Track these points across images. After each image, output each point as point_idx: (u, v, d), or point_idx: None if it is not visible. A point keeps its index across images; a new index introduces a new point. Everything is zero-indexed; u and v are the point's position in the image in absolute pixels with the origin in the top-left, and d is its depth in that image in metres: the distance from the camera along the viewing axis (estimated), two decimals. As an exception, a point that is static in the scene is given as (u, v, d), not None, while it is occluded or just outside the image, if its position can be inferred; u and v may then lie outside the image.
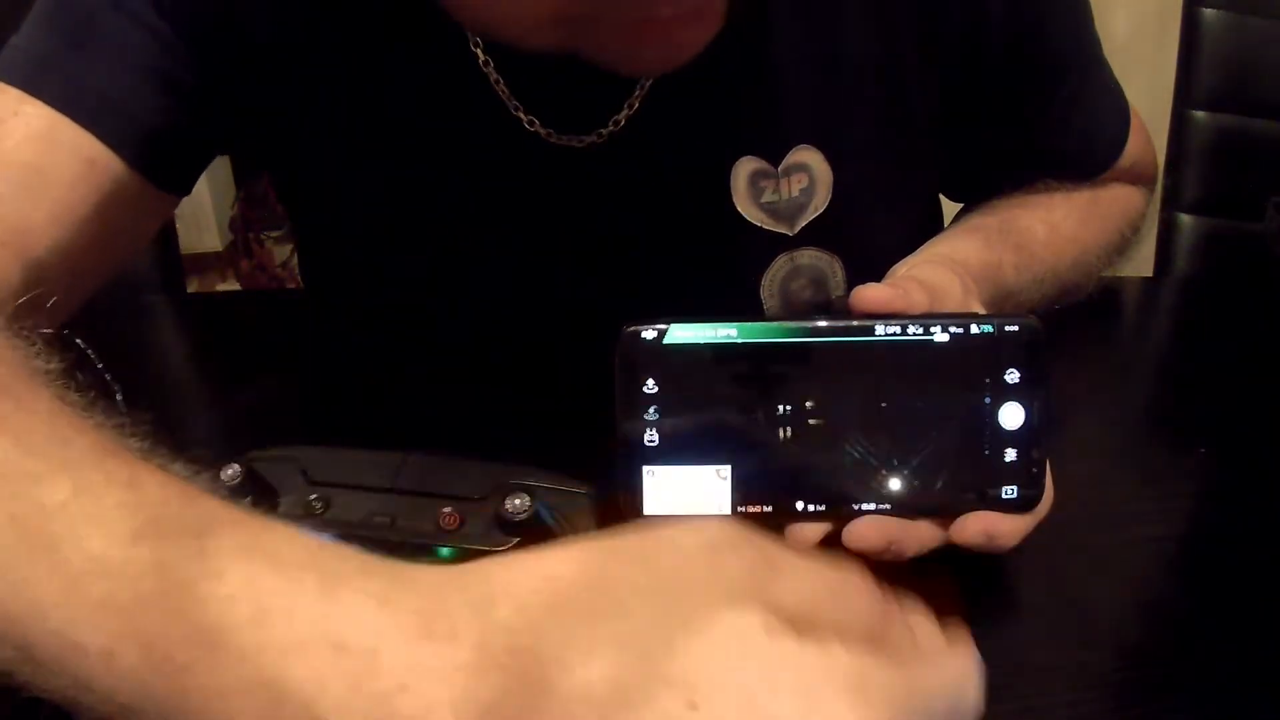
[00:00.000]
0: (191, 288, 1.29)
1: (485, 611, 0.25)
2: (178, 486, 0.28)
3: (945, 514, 0.39)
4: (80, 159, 0.47)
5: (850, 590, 0.28)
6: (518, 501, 0.37)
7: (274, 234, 2.06)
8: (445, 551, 0.37)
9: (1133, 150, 0.64)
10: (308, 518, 0.39)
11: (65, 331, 0.39)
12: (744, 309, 0.56)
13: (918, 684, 0.27)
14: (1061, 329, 0.58)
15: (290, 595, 0.25)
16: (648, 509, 0.39)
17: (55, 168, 0.46)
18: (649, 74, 0.40)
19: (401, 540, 0.38)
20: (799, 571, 0.27)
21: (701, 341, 0.39)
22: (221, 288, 2.08)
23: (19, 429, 0.29)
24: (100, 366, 0.40)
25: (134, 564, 0.26)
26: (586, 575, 0.26)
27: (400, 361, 0.61)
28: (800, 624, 0.26)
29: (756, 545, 0.27)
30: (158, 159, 0.50)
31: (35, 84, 0.46)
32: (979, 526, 0.38)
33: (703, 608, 0.25)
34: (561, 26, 0.36)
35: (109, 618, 0.25)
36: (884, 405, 0.38)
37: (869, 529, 0.38)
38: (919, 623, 0.33)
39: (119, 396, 0.36)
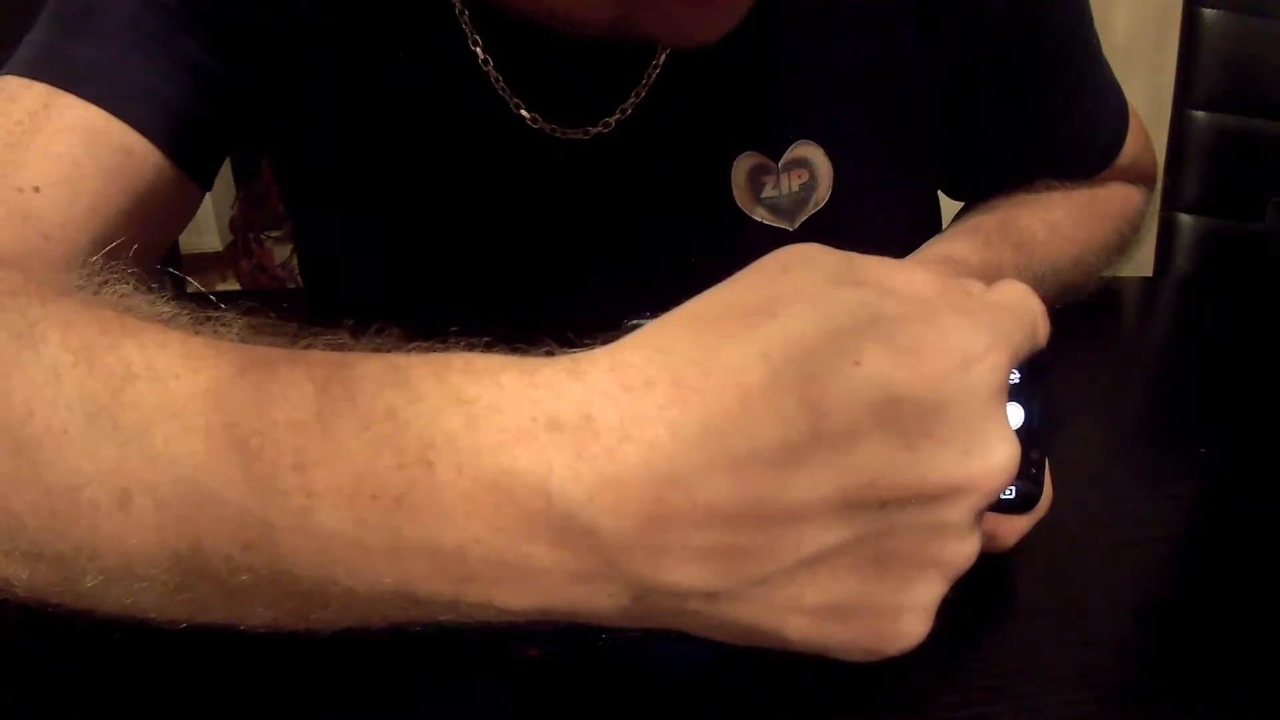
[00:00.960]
0: (191, 288, 1.29)
1: (663, 352, 0.27)
2: (317, 348, 0.29)
3: None
4: (117, 150, 0.46)
5: (924, 275, 0.31)
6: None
7: (274, 234, 2.06)
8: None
9: (1132, 149, 0.64)
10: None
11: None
12: None
13: (1008, 298, 0.31)
14: (1061, 329, 0.58)
15: (490, 392, 0.26)
16: None
17: (92, 159, 0.45)
18: (702, 43, 0.40)
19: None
20: (877, 265, 0.30)
21: None
22: (221, 288, 2.08)
23: (162, 339, 0.29)
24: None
25: (325, 410, 0.26)
26: (725, 293, 0.29)
27: None
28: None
29: (830, 254, 0.30)
30: (191, 148, 0.49)
31: (64, 78, 0.45)
32: None
33: (820, 294, 0.28)
34: (615, 3, 0.37)
35: (304, 474, 0.25)
36: None
37: None
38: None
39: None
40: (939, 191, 0.66)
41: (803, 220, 0.55)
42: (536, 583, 0.26)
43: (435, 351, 0.28)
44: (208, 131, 0.51)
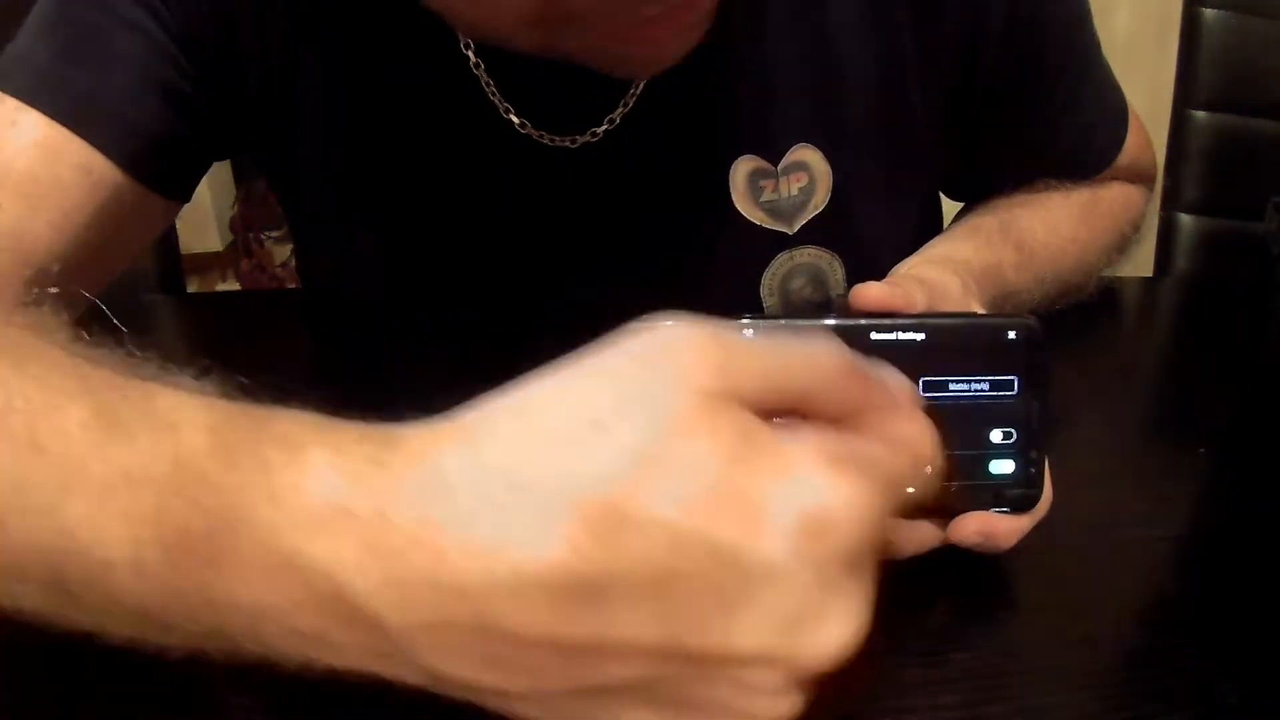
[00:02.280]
0: (191, 288, 1.29)
1: (473, 457, 0.25)
2: (189, 395, 0.29)
3: (943, 513, 0.39)
4: (77, 167, 0.47)
5: (818, 367, 0.28)
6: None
7: (274, 234, 2.06)
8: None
9: (1132, 149, 0.64)
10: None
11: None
12: (744, 308, 0.56)
13: (886, 448, 0.27)
14: (1061, 329, 0.58)
15: (293, 470, 0.26)
16: None
17: (53, 176, 0.46)
18: (635, 77, 0.40)
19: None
20: (763, 359, 0.27)
21: None
22: (221, 288, 2.08)
23: (37, 372, 0.30)
24: (105, 310, 0.41)
25: (154, 470, 0.27)
26: (559, 402, 0.26)
27: (396, 361, 0.61)
28: (770, 409, 0.26)
29: (713, 338, 0.27)
30: (156, 166, 0.50)
31: (32, 93, 0.47)
32: (977, 526, 0.38)
33: (668, 409, 0.25)
34: (544, 27, 0.36)
35: (133, 526, 0.26)
36: None
37: None
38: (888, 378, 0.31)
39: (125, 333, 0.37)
40: (939, 192, 0.66)
41: (802, 223, 0.55)
42: (339, 652, 0.26)
43: (278, 409, 0.28)
44: (179, 149, 0.52)
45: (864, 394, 0.28)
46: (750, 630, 0.25)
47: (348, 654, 0.26)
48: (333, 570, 0.25)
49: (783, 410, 0.27)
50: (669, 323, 0.27)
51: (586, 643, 0.24)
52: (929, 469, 0.29)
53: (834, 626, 0.25)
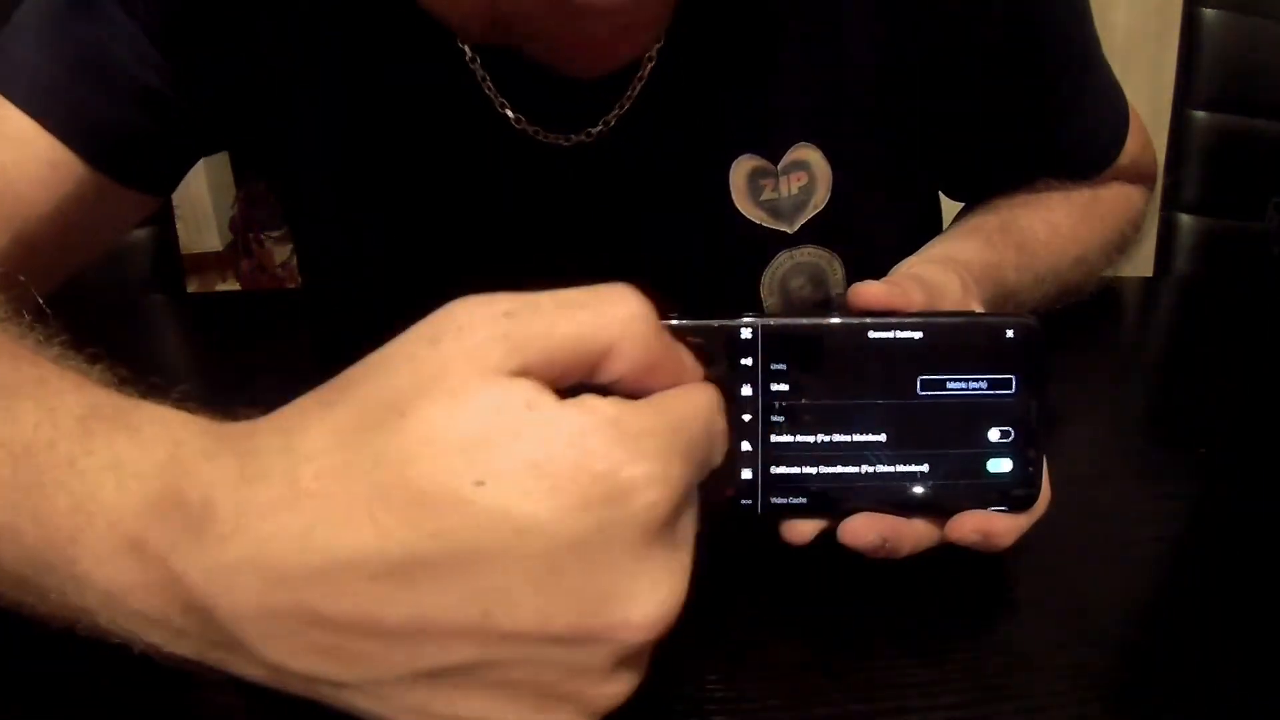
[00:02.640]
0: (191, 288, 1.29)
1: (287, 446, 0.26)
2: (74, 381, 0.31)
3: (941, 512, 0.39)
4: (42, 161, 0.49)
5: (610, 329, 0.28)
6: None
7: (274, 234, 2.06)
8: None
9: (1132, 149, 0.64)
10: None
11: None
12: (743, 307, 0.56)
13: (679, 414, 0.28)
14: (1061, 329, 0.58)
15: (137, 458, 0.28)
16: None
17: (17, 166, 0.48)
18: (582, 77, 0.40)
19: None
20: (551, 327, 0.27)
21: (699, 338, 0.39)
22: (221, 288, 2.09)
23: None
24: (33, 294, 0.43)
25: (34, 446, 0.29)
26: (362, 389, 0.27)
27: None
28: (567, 375, 0.27)
29: (501, 314, 0.27)
30: (127, 161, 0.52)
31: (7, 86, 0.48)
32: (974, 525, 0.38)
33: (460, 388, 0.26)
34: (494, 23, 0.36)
35: (11, 493, 0.29)
36: (880, 403, 0.38)
37: (864, 526, 0.38)
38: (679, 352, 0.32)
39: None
40: (939, 192, 0.66)
41: (802, 222, 0.55)
42: (184, 639, 0.27)
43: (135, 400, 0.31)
44: (154, 145, 0.53)
45: (658, 357, 0.29)
46: (562, 608, 0.25)
47: (191, 642, 0.27)
48: (169, 557, 0.26)
49: (581, 373, 0.28)
50: (465, 301, 0.28)
51: (404, 625, 0.25)
52: (720, 439, 0.30)
53: (646, 598, 0.25)
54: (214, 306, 0.90)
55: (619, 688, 0.27)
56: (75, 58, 0.49)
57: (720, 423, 0.30)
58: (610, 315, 0.28)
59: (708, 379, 0.32)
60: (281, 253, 2.07)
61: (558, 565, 0.25)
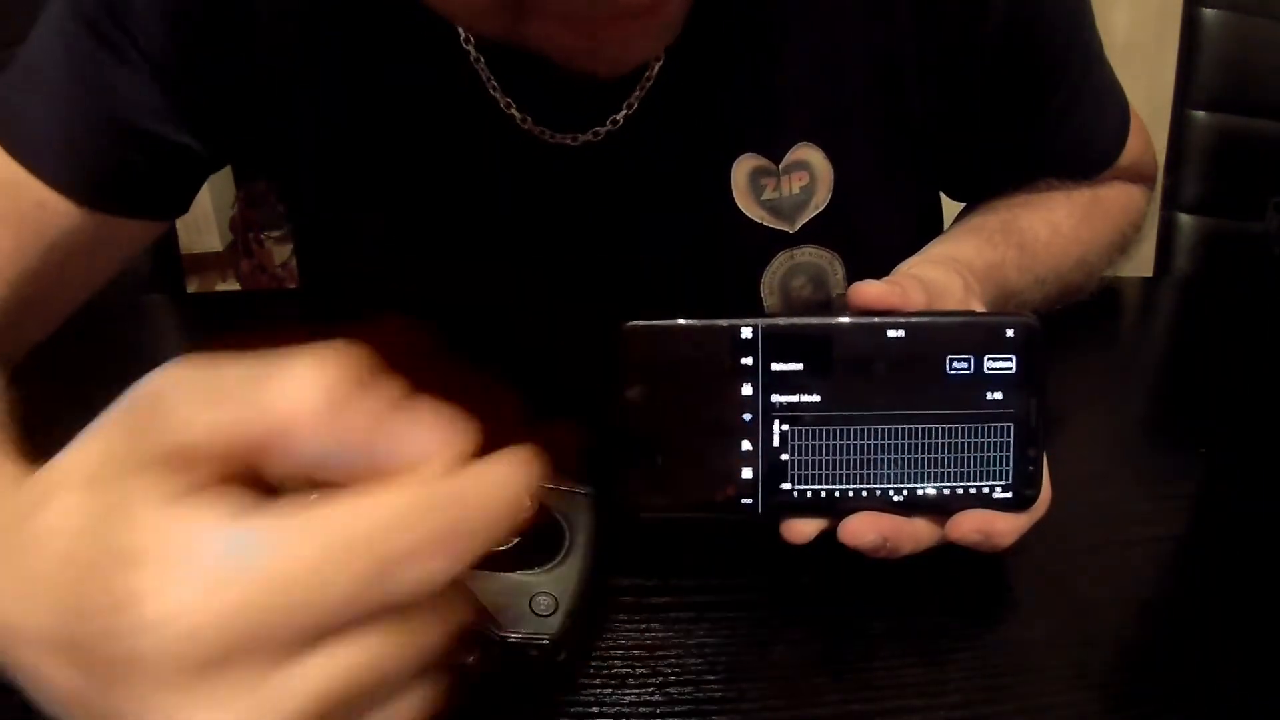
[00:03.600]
0: (191, 288, 1.29)
1: (12, 509, 0.26)
2: None
3: (941, 511, 0.39)
4: (33, 203, 0.49)
5: (282, 410, 0.24)
6: (517, 501, 0.37)
7: (274, 234, 2.06)
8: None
9: (1133, 149, 0.64)
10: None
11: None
12: (744, 307, 0.56)
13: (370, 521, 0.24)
14: (1061, 329, 0.58)
15: None
16: (647, 504, 0.39)
17: (11, 209, 0.49)
18: (597, 76, 0.40)
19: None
20: (219, 408, 0.24)
21: (700, 337, 0.39)
22: (221, 288, 2.08)
23: None
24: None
25: None
26: (72, 458, 0.26)
27: None
28: (233, 457, 0.24)
29: (169, 390, 0.25)
30: (123, 196, 0.52)
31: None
32: (974, 524, 0.38)
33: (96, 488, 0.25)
34: (509, 14, 0.36)
35: None
36: (881, 402, 0.38)
37: (864, 525, 0.38)
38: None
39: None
40: (939, 192, 0.66)
41: (803, 223, 0.55)
42: None
43: None
44: (152, 178, 0.53)
45: (349, 443, 0.24)
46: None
47: None
48: None
49: (249, 454, 0.24)
50: (165, 370, 0.26)
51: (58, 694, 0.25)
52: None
53: None
54: (214, 306, 0.90)
55: None
56: (63, 98, 0.49)
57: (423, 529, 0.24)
58: (280, 399, 0.24)
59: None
60: (281, 253, 2.07)
61: (128, 678, 0.23)
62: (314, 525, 0.24)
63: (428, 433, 0.25)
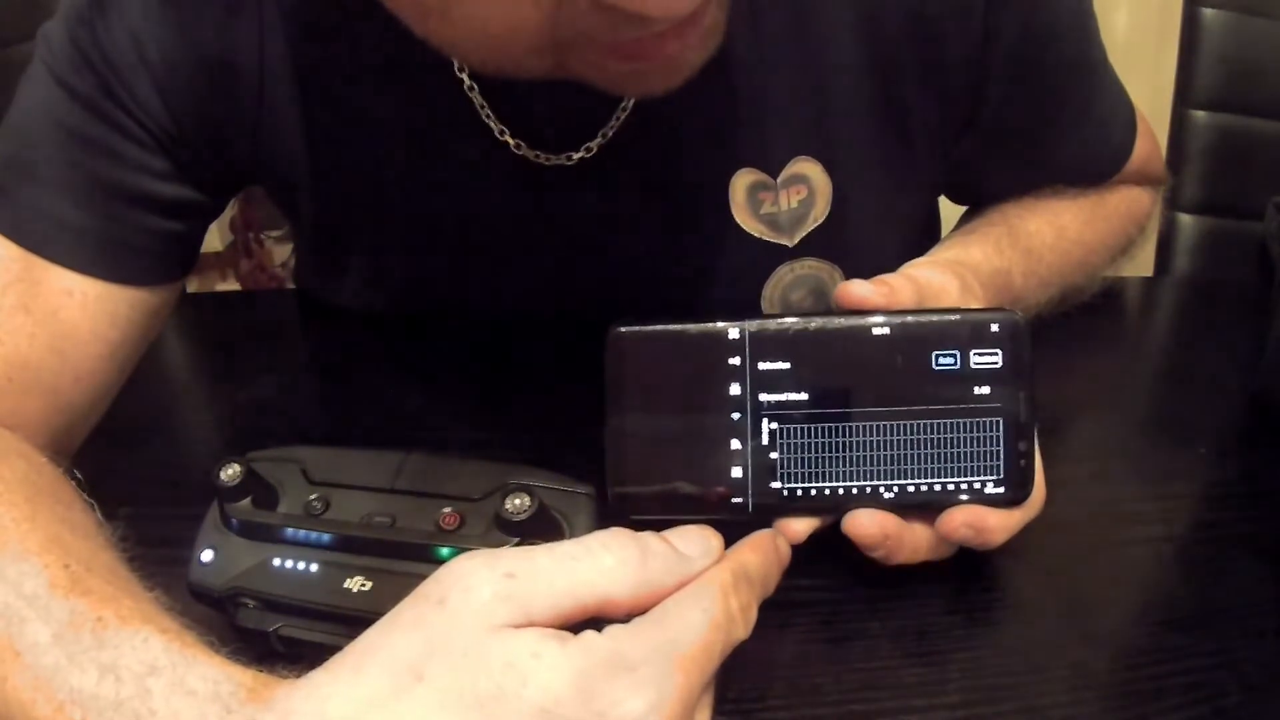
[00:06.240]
0: (191, 287, 1.29)
1: (324, 716, 0.28)
2: (133, 635, 0.32)
3: (933, 508, 0.39)
4: (59, 292, 0.49)
5: (604, 577, 0.31)
6: (518, 501, 0.37)
7: (274, 234, 2.06)
8: (445, 551, 0.37)
9: (1140, 152, 0.63)
10: (307, 518, 0.39)
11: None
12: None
13: (676, 628, 0.31)
14: (1062, 329, 0.58)
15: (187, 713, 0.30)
16: (640, 505, 0.39)
17: (37, 300, 0.48)
18: (647, 95, 0.40)
19: (401, 540, 0.38)
20: (549, 585, 0.30)
21: (687, 339, 0.39)
22: (221, 287, 2.08)
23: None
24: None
25: (100, 702, 0.31)
26: (383, 656, 0.29)
27: (400, 365, 0.61)
28: (568, 619, 0.30)
29: (502, 575, 0.30)
30: (141, 266, 0.51)
31: (8, 228, 0.48)
32: (965, 519, 0.38)
33: (471, 648, 0.28)
34: (554, 52, 0.36)
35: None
36: (868, 399, 0.39)
37: (869, 519, 0.38)
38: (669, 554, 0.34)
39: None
40: (939, 199, 0.66)
41: (802, 236, 0.55)
42: None
43: None
44: (167, 240, 0.52)
45: (652, 589, 0.32)
46: None
47: None
48: None
49: (583, 617, 0.30)
50: (467, 560, 0.30)
51: None
52: (735, 624, 0.32)
53: None
54: (214, 306, 0.90)
55: None
56: (63, 185, 0.49)
57: (723, 610, 0.32)
58: (601, 566, 0.31)
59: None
60: (281, 253, 2.07)
61: None
62: (676, 615, 0.31)
63: (700, 560, 0.33)
